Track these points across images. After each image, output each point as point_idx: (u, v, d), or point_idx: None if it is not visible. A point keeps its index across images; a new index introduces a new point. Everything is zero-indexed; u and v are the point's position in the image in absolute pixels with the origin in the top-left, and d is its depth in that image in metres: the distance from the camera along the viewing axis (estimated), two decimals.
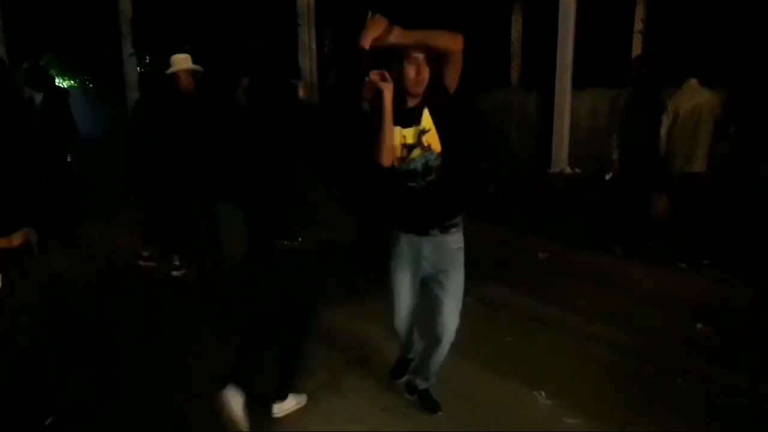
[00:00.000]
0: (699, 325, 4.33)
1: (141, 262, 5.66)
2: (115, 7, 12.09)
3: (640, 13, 9.49)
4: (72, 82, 15.13)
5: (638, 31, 9.49)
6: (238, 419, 2.96)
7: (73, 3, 12.37)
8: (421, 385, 3.28)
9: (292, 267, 3.02)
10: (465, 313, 4.50)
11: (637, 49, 9.42)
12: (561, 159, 9.58)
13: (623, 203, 5.78)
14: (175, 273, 5.48)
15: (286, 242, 2.96)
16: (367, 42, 2.50)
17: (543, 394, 3.44)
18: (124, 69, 12.43)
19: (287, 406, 3.25)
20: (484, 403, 3.36)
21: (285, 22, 11.34)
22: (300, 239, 2.99)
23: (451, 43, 2.69)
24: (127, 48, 11.96)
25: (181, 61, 5.34)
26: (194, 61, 5.43)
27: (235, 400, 2.98)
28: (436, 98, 2.77)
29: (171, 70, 5.31)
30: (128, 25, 11.94)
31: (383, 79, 2.70)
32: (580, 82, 9.52)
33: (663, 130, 5.34)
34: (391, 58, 2.79)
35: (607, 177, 5.83)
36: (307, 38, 11.45)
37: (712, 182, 5.43)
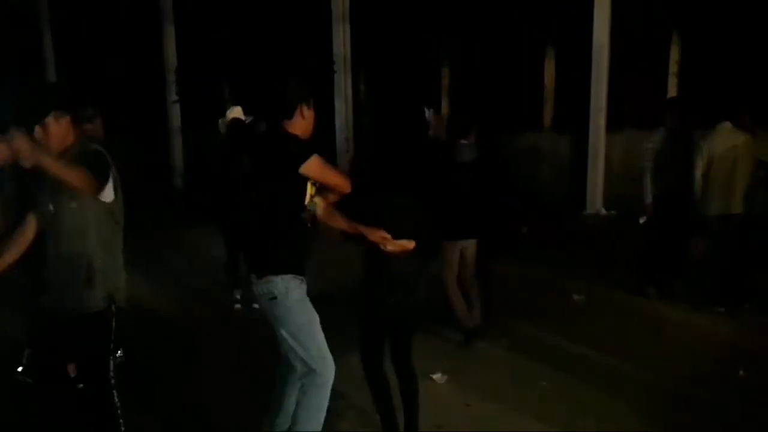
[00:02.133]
0: (741, 372, 4.23)
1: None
2: (160, 55, 12.65)
3: (674, 54, 9.53)
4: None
5: (673, 72, 9.52)
6: None
7: (118, 53, 12.98)
8: None
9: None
10: (499, 356, 4.55)
11: (672, 90, 9.44)
12: (596, 200, 9.56)
13: (657, 245, 5.73)
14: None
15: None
16: None
17: None
18: (169, 115, 12.92)
19: None
20: None
21: (322, 67, 11.67)
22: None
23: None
24: (171, 95, 12.46)
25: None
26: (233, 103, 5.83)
27: None
28: None
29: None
30: (173, 74, 12.44)
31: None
32: (613, 124, 9.55)
33: (698, 173, 5.32)
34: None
35: (642, 221, 5.80)
36: (343, 83, 11.77)
37: (749, 224, 5.36)
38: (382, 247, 2.97)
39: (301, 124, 2.94)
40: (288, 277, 2.85)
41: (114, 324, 2.93)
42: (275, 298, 2.85)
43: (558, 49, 10.88)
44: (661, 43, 9.55)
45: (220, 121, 5.78)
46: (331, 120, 11.67)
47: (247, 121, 5.72)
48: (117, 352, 3.96)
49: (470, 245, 4.79)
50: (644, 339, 4.84)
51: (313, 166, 2.83)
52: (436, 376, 4.12)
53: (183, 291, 6.29)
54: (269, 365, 3.22)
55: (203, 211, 6.60)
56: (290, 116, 2.92)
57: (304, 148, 2.86)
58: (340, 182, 3.00)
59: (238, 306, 5.70)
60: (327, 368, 2.92)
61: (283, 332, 2.88)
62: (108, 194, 2.79)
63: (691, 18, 9.12)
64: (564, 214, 9.21)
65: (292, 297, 2.85)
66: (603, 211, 9.47)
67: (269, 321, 2.93)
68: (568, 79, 10.63)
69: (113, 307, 2.92)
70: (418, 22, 11.00)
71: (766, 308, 5.33)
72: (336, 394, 3.18)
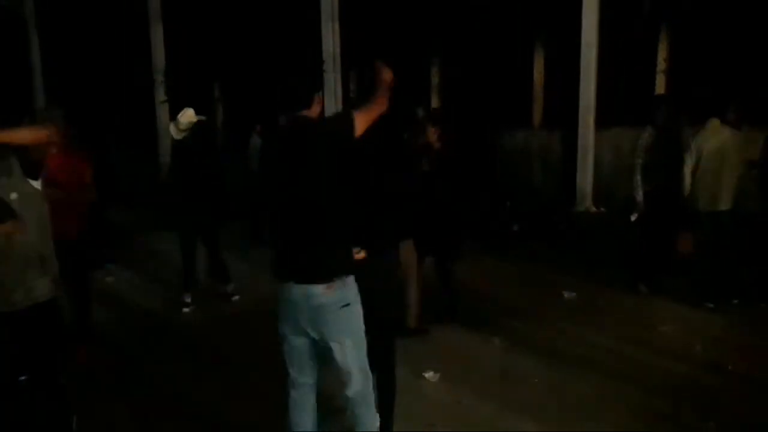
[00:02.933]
0: (730, 367, 4.26)
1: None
2: (148, 55, 12.59)
3: (663, 52, 9.59)
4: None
5: (661, 70, 9.57)
6: None
7: (106, 52, 12.92)
8: None
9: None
10: (491, 354, 4.55)
11: (660, 88, 9.49)
12: (585, 198, 9.59)
13: (648, 242, 5.76)
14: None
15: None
16: None
17: None
18: (157, 116, 12.85)
19: None
20: None
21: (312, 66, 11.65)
22: None
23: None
24: (160, 95, 12.39)
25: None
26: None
27: None
28: None
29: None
30: (161, 74, 12.39)
31: None
32: (603, 122, 9.59)
33: (687, 170, 5.36)
34: None
35: (633, 218, 5.82)
36: (333, 82, 11.75)
37: (738, 221, 5.40)
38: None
39: (317, 112, 2.81)
40: (352, 279, 2.67)
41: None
42: (349, 305, 2.63)
43: (547, 47, 10.91)
44: (649, 40, 9.60)
45: (172, 124, 5.71)
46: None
47: (199, 122, 5.75)
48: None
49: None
50: (634, 335, 4.86)
51: (360, 119, 2.63)
52: (429, 375, 4.12)
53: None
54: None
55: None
56: (309, 105, 2.76)
57: (342, 117, 2.73)
58: (382, 106, 2.72)
59: (186, 310, 5.71)
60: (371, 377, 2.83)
61: (349, 342, 2.66)
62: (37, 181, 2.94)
63: (679, 15, 9.18)
64: (554, 211, 9.25)
65: (358, 301, 2.68)
66: (593, 209, 9.51)
67: (315, 333, 2.68)
68: (557, 77, 10.67)
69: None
70: (407, 21, 11.00)
71: (755, 304, 5.38)
72: (328, 394, 3.17)
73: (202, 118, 5.74)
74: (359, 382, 2.74)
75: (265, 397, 3.71)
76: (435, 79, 12.28)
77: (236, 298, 5.94)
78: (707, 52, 8.71)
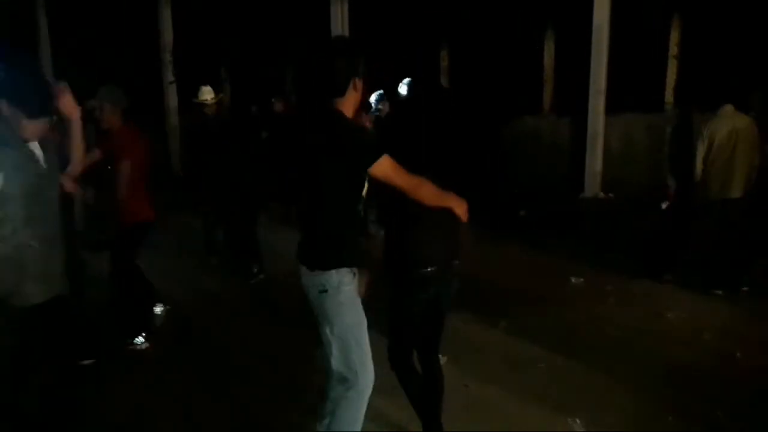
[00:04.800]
0: (738, 355, 4.25)
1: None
2: (156, 36, 12.52)
3: (675, 37, 9.47)
4: None
5: (673, 55, 9.47)
6: None
7: (114, 32, 12.85)
8: None
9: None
10: (498, 339, 4.55)
11: (672, 73, 9.39)
12: (594, 184, 9.55)
13: (672, 230, 5.70)
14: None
15: None
16: None
17: (578, 421, 3.41)
18: (165, 96, 12.82)
19: None
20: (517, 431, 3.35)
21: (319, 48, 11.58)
22: None
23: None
24: (168, 76, 12.35)
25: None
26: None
27: None
28: None
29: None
30: (169, 54, 12.32)
31: None
32: (613, 107, 9.52)
33: (699, 157, 5.30)
34: None
35: (663, 206, 5.76)
36: None
37: (749, 208, 5.36)
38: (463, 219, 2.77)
39: (352, 99, 2.69)
40: (343, 270, 2.64)
41: None
42: (326, 291, 2.63)
43: (558, 31, 10.80)
44: (661, 25, 9.49)
45: (205, 100, 6.02)
46: None
47: (217, 100, 6.04)
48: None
49: None
50: (642, 322, 4.85)
51: (383, 167, 2.54)
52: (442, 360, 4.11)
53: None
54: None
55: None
56: (341, 94, 2.65)
57: (374, 146, 2.58)
58: (409, 185, 2.63)
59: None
60: (367, 379, 2.71)
61: (327, 331, 2.66)
62: None
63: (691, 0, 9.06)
64: (562, 197, 9.20)
65: (344, 292, 2.64)
66: (601, 195, 9.47)
67: (316, 317, 2.72)
68: (567, 62, 10.58)
69: None
70: (417, 3, 10.89)
71: (765, 292, 5.35)
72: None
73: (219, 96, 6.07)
74: (340, 370, 2.69)
75: None
76: (444, 63, 12.20)
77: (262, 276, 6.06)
78: (720, 37, 8.60)
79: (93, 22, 12.85)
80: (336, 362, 2.67)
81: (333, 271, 2.61)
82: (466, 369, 4.06)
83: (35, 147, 2.68)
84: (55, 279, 2.77)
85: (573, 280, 5.82)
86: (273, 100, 8.92)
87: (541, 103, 11.10)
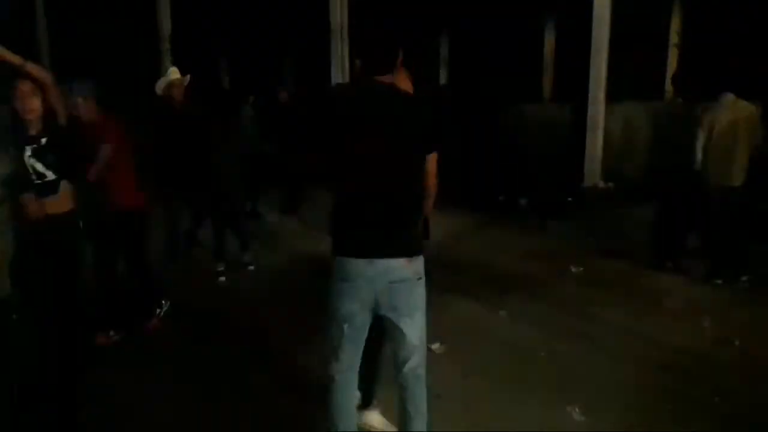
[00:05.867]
0: (736, 342, 4.26)
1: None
2: (153, 24, 12.45)
3: (675, 25, 9.42)
4: None
5: (674, 44, 9.41)
6: None
7: (112, 20, 12.78)
8: None
9: None
10: (497, 326, 4.56)
11: (673, 62, 9.34)
12: (594, 173, 9.52)
13: (680, 219, 5.70)
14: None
15: None
16: None
17: (577, 410, 3.42)
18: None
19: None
20: (516, 420, 3.35)
21: (319, 37, 11.53)
22: None
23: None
24: (167, 64, 12.27)
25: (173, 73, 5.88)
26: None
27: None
28: None
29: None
30: (167, 42, 12.26)
31: None
32: (613, 95, 9.47)
33: (698, 145, 5.29)
34: None
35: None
36: (340, 53, 11.62)
37: (749, 197, 5.35)
38: None
39: (403, 77, 2.62)
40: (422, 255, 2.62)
41: None
42: (421, 277, 2.58)
43: (558, 19, 10.74)
44: (662, 13, 9.43)
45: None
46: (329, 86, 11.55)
47: (186, 82, 5.79)
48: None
49: None
50: (642, 310, 4.85)
51: (435, 156, 2.54)
52: (435, 346, 4.11)
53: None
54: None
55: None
56: (393, 69, 2.51)
57: (439, 136, 2.56)
58: (434, 180, 2.65)
59: (222, 279, 5.79)
60: None
61: (416, 318, 2.61)
62: None
63: None
64: (563, 186, 9.19)
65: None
66: (601, 184, 9.45)
67: (388, 309, 2.56)
68: (568, 50, 10.52)
69: None
70: None
71: (764, 281, 5.35)
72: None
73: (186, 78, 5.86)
74: (421, 355, 2.69)
75: None
76: (444, 52, 12.14)
77: (252, 267, 6.02)
78: (721, 25, 8.55)
79: (91, 11, 12.77)
80: (420, 345, 2.66)
81: (421, 257, 2.58)
82: (465, 356, 4.07)
83: None
84: None
85: (573, 268, 5.83)
86: (278, 89, 8.89)
87: (541, 91, 11.05)
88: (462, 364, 3.96)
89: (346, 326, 2.57)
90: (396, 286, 2.53)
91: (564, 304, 5.00)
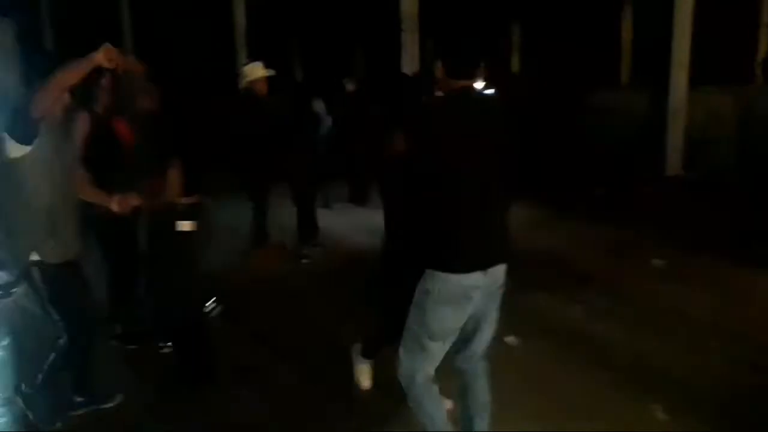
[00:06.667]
0: None
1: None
2: (229, 19, 12.79)
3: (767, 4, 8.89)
4: None
5: (765, 24, 8.89)
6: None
7: (187, 16, 13.21)
8: None
9: None
10: (573, 321, 4.47)
11: (764, 43, 8.83)
12: (675, 162, 9.14)
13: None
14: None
15: None
16: None
17: (661, 409, 3.32)
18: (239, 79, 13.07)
19: None
20: (596, 417, 3.28)
21: (389, 29, 11.54)
22: None
23: None
24: (242, 59, 12.60)
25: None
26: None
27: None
28: None
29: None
30: (243, 37, 12.56)
31: None
32: (696, 80, 9.05)
33: None
34: None
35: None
36: (410, 42, 11.57)
37: None
38: None
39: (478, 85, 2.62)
40: None
41: None
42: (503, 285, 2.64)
43: None
44: None
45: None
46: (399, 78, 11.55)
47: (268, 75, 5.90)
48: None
49: None
50: (729, 307, 4.63)
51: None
52: (509, 339, 4.07)
53: None
54: None
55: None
56: (478, 74, 2.52)
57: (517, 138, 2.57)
58: None
59: (306, 261, 6.01)
60: None
61: (491, 319, 2.67)
62: None
63: None
64: (642, 175, 8.86)
65: None
66: (683, 173, 9.06)
67: (488, 309, 2.63)
68: (647, 33, 10.12)
69: None
70: None
71: None
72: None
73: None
74: (482, 357, 2.78)
75: None
76: (515, 38, 11.92)
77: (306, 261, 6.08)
78: None
79: (170, 6, 13.25)
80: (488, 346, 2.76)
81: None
82: (540, 350, 4.02)
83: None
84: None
85: (654, 262, 5.63)
86: (344, 80, 8.98)
87: (619, 76, 10.68)
88: (536, 357, 3.91)
89: (443, 342, 2.61)
90: (498, 290, 2.60)
91: (645, 299, 4.84)
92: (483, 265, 2.48)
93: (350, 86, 8.85)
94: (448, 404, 2.93)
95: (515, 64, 11.89)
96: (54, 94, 2.80)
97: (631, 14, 10.48)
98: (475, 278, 2.48)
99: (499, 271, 2.56)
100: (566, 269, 5.55)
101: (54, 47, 14.63)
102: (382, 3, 11.41)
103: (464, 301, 2.51)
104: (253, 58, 12.33)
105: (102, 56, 2.75)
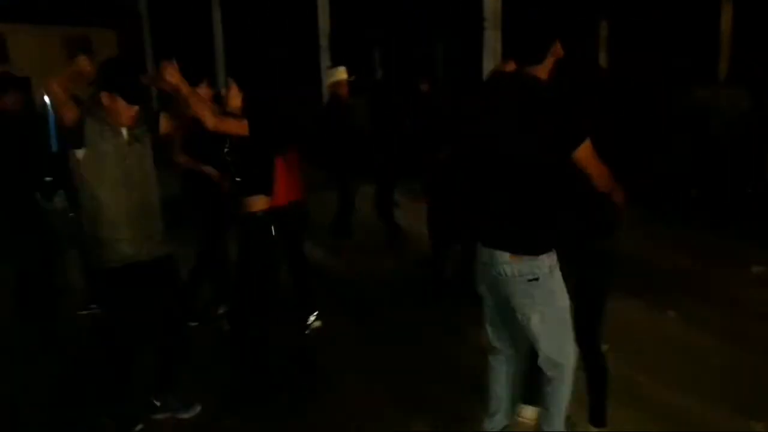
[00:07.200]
0: None
1: None
2: (314, 22, 13.06)
3: None
4: None
5: None
6: None
7: (272, 19, 13.59)
8: None
9: None
10: (666, 329, 4.27)
11: None
12: None
13: None
14: None
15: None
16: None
17: (760, 427, 3.12)
18: (322, 82, 13.34)
19: None
20: (690, 429, 3.13)
21: (472, 25, 11.43)
22: None
23: None
24: (325, 60, 12.84)
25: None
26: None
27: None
28: None
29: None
30: (326, 39, 12.79)
31: None
32: None
33: None
34: None
35: None
36: (493, 39, 11.42)
37: None
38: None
39: (548, 65, 2.47)
40: (553, 253, 2.50)
41: None
42: (537, 279, 2.45)
43: None
44: None
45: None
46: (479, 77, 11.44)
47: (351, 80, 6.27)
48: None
49: None
50: None
51: (584, 153, 2.37)
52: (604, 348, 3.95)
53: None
54: None
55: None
56: (540, 61, 2.45)
57: (582, 128, 2.38)
58: (601, 172, 2.45)
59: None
60: (575, 358, 2.66)
61: (535, 321, 2.50)
62: None
63: None
64: (741, 177, 8.34)
65: (556, 277, 2.51)
66: None
67: (508, 303, 2.57)
68: (748, 26, 9.53)
69: None
70: None
71: None
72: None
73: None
74: (550, 364, 2.61)
75: None
76: (603, 33, 11.51)
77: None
78: None
79: (257, 12, 13.68)
80: (547, 350, 2.57)
81: (544, 256, 2.46)
82: (632, 358, 3.86)
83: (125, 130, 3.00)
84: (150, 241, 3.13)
85: (755, 268, 5.30)
86: (418, 80, 8.95)
87: (717, 73, 10.11)
88: (628, 365, 3.76)
89: (483, 306, 2.76)
90: (500, 278, 2.61)
91: (744, 308, 4.57)
92: (495, 246, 2.56)
93: (424, 86, 8.80)
94: None
95: (602, 60, 11.47)
96: (56, 102, 2.85)
97: (731, 7, 9.89)
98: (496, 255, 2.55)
99: (508, 262, 2.49)
100: (657, 273, 5.32)
101: (152, 52, 15.53)
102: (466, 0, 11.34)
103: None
104: (336, 61, 12.61)
105: (82, 64, 2.84)
